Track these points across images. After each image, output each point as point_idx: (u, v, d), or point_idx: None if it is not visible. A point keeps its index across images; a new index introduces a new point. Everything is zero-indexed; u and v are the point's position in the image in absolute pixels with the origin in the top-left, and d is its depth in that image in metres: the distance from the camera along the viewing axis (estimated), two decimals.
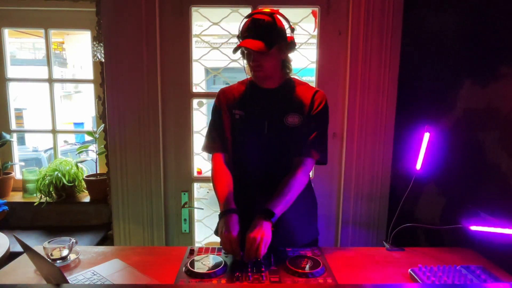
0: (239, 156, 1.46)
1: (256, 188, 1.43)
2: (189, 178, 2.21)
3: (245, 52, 1.37)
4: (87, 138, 2.65)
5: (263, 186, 1.41)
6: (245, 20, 1.35)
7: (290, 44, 1.37)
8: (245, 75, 1.47)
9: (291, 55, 1.45)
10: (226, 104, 1.47)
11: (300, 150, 1.40)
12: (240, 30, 1.36)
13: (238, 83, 1.53)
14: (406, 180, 1.63)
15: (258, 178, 1.43)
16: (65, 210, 2.44)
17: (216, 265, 1.20)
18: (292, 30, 1.39)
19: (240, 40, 1.35)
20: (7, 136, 2.46)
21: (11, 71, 2.52)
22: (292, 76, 1.50)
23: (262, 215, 1.22)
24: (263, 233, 1.17)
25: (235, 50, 1.33)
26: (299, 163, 1.38)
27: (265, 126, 1.40)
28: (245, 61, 1.42)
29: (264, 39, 1.28)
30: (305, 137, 1.40)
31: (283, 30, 1.35)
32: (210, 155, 1.52)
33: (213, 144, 1.48)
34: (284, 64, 1.42)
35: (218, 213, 1.33)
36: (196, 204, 2.26)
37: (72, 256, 1.32)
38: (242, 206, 1.33)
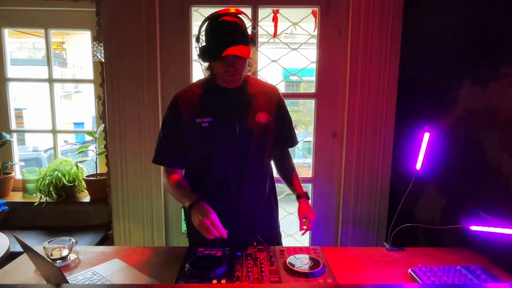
0: (209, 164, 1.39)
1: (231, 192, 1.40)
2: None
3: (219, 58, 1.26)
4: (87, 138, 2.65)
5: (237, 187, 1.40)
6: (208, 21, 1.29)
7: (254, 42, 1.35)
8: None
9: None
10: (187, 114, 1.37)
11: (286, 143, 1.55)
12: (208, 32, 1.29)
13: (192, 86, 1.45)
14: (406, 180, 1.63)
15: (234, 180, 1.40)
16: (65, 210, 2.44)
17: (216, 265, 1.20)
18: (254, 28, 1.38)
19: (202, 43, 1.31)
20: (7, 136, 2.46)
21: (11, 71, 2.52)
22: None
23: (305, 198, 1.49)
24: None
25: (221, 58, 1.24)
26: (287, 153, 1.60)
27: (236, 127, 1.37)
28: (203, 63, 1.37)
29: (244, 42, 1.27)
30: (282, 130, 1.50)
31: (246, 30, 1.32)
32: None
33: (169, 156, 1.42)
34: (249, 63, 1.40)
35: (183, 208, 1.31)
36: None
37: (72, 256, 1.32)
38: (219, 211, 1.29)
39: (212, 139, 1.37)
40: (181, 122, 1.38)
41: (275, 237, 1.57)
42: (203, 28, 1.32)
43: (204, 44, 1.32)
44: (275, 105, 1.46)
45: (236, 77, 1.33)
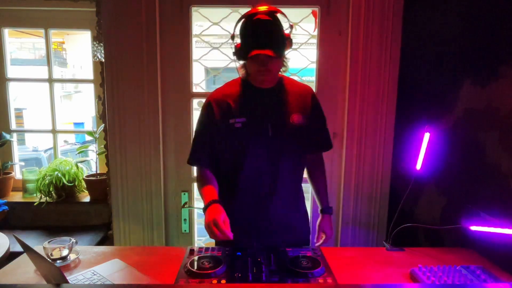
0: (241, 164, 1.38)
1: (265, 194, 1.40)
2: (189, 178, 2.21)
3: (249, 57, 1.27)
4: (87, 138, 2.65)
5: (271, 190, 1.39)
6: (243, 19, 1.30)
7: (290, 43, 1.35)
8: None
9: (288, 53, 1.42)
10: (220, 115, 1.37)
11: (319, 146, 1.53)
12: (241, 30, 1.30)
13: (228, 85, 1.44)
14: (406, 180, 1.63)
15: (265, 183, 1.39)
16: (65, 210, 2.44)
17: (216, 265, 1.20)
18: (291, 27, 1.36)
19: (238, 41, 1.32)
20: (7, 136, 2.46)
21: (11, 71, 2.52)
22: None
23: (327, 213, 1.55)
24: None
25: (250, 57, 1.24)
26: (320, 157, 1.58)
27: (269, 129, 1.36)
28: (238, 61, 1.37)
29: (274, 42, 1.25)
30: (316, 132, 1.47)
31: (283, 29, 1.32)
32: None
33: (203, 158, 1.42)
34: (283, 63, 1.40)
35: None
36: (196, 204, 2.26)
37: (72, 256, 1.32)
38: (250, 215, 1.31)
39: (244, 140, 1.36)
40: (214, 124, 1.37)
41: (304, 243, 1.54)
42: (239, 25, 1.31)
43: (239, 42, 1.32)
44: (309, 106, 1.43)
45: (268, 77, 1.33)
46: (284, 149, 1.38)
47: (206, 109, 1.40)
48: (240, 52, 1.31)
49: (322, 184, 1.58)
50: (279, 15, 1.32)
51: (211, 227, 1.18)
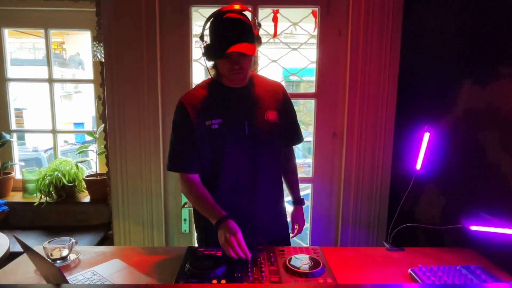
0: (220, 165, 1.37)
1: (244, 193, 1.40)
2: None
3: (223, 55, 1.25)
4: (87, 138, 2.65)
5: (250, 188, 1.40)
6: (213, 18, 1.28)
7: (259, 40, 1.34)
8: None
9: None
10: (196, 117, 1.34)
11: (290, 140, 1.55)
12: (212, 29, 1.28)
13: (199, 87, 1.42)
14: (406, 180, 1.63)
15: (246, 182, 1.39)
16: (65, 210, 2.44)
17: (216, 265, 1.20)
18: (259, 25, 1.38)
19: (206, 41, 1.31)
20: (7, 136, 2.46)
21: (11, 71, 2.52)
22: None
23: (299, 204, 1.60)
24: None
25: (225, 55, 1.23)
26: (291, 151, 1.60)
27: (246, 127, 1.36)
28: (207, 62, 1.35)
29: (249, 39, 1.25)
30: (287, 127, 1.49)
31: (252, 27, 1.30)
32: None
33: (186, 162, 1.37)
34: (254, 61, 1.39)
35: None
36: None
37: (72, 256, 1.32)
38: (233, 214, 1.28)
39: (222, 140, 1.35)
40: (192, 125, 1.34)
41: (286, 238, 1.58)
42: (208, 25, 1.30)
43: (208, 42, 1.30)
44: (281, 101, 1.45)
45: (241, 75, 1.32)
46: (262, 146, 1.39)
47: (182, 112, 1.35)
48: (211, 52, 1.30)
49: (294, 177, 1.62)
50: (248, 14, 1.31)
51: (233, 245, 1.17)
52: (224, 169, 1.37)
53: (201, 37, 1.34)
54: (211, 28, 1.29)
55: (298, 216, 1.61)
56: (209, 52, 1.31)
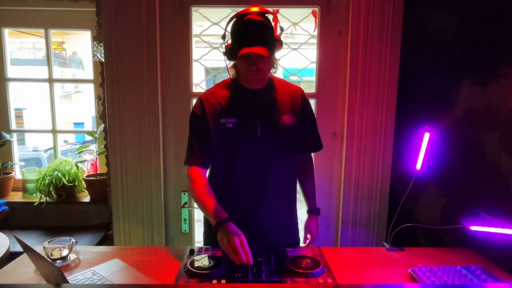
0: (233, 165, 1.38)
1: (254, 195, 1.40)
2: None
3: (238, 56, 1.26)
4: (87, 138, 2.65)
5: (260, 191, 1.39)
6: (235, 19, 1.30)
7: (280, 44, 1.35)
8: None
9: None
10: (212, 114, 1.37)
11: (308, 147, 1.52)
12: (232, 30, 1.30)
13: (217, 86, 1.43)
14: (406, 180, 1.63)
15: (254, 185, 1.39)
16: (65, 210, 2.44)
17: (216, 265, 1.20)
18: (282, 29, 1.37)
19: (229, 41, 1.32)
20: (7, 136, 2.46)
21: (11, 71, 2.52)
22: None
23: (314, 214, 1.58)
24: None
25: (241, 55, 1.24)
26: (309, 158, 1.59)
27: (258, 129, 1.36)
28: (228, 62, 1.37)
29: (265, 42, 1.25)
30: (306, 133, 1.47)
31: (273, 30, 1.32)
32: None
33: (195, 157, 1.38)
34: (273, 64, 1.40)
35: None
36: (196, 204, 2.26)
37: (72, 256, 1.32)
38: (238, 216, 1.27)
39: (235, 140, 1.36)
40: (206, 122, 1.37)
41: (295, 243, 1.54)
42: (230, 25, 1.32)
43: (229, 42, 1.32)
44: (300, 106, 1.44)
45: (258, 76, 1.33)
46: (274, 149, 1.38)
47: (199, 108, 1.39)
48: (230, 52, 1.31)
49: (311, 185, 1.60)
50: (270, 17, 1.32)
51: (236, 249, 1.12)
52: (235, 169, 1.38)
53: (223, 37, 1.35)
54: (232, 29, 1.31)
55: (311, 225, 1.57)
56: (228, 52, 1.33)
